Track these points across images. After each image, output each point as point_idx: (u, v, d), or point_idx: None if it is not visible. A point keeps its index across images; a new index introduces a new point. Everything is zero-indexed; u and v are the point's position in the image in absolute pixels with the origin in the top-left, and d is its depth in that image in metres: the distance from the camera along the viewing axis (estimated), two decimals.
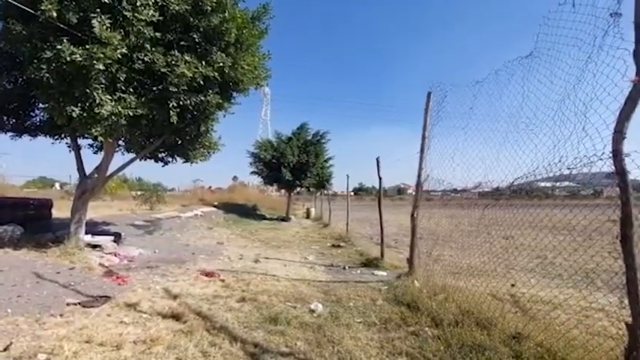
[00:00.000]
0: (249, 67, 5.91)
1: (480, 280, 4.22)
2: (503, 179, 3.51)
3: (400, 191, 74.79)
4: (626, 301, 2.21)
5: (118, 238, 7.69)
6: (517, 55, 3.44)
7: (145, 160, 7.69)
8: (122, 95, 5.07)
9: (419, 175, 5.25)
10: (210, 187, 36.60)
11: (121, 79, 5.02)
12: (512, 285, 4.66)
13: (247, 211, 19.76)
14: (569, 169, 2.61)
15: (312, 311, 3.93)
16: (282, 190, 23.44)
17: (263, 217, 19.09)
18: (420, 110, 5.27)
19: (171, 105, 5.38)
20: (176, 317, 3.61)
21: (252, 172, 18.93)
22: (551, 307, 3.68)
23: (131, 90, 5.24)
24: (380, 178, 7.38)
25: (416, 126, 5.23)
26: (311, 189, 21.16)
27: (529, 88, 3.32)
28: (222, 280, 5.20)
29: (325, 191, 20.75)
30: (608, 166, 2.32)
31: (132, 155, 7.38)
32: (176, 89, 5.25)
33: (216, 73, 5.51)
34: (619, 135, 2.24)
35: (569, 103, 2.78)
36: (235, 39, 5.71)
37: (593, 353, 2.52)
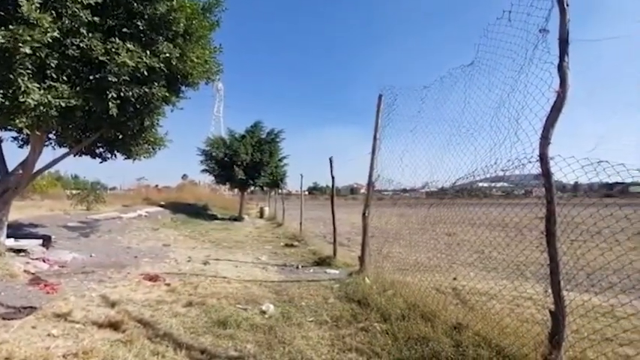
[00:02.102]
0: (198, 60, 5.65)
1: (426, 274, 4.44)
2: (446, 179, 3.73)
3: (353, 191, 76.61)
4: (550, 290, 2.45)
5: (47, 241, 6.93)
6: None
7: (81, 155, 7.03)
8: (53, 83, 4.59)
9: (370, 175, 5.40)
10: (156, 185, 34.52)
11: (52, 65, 4.54)
12: (454, 278, 4.97)
13: (197, 211, 18.93)
14: (503, 170, 2.83)
15: (264, 312, 3.86)
16: (235, 190, 22.82)
17: (214, 217, 18.43)
18: (374, 112, 5.42)
19: (110, 96, 4.96)
20: (114, 326, 3.34)
21: (203, 171, 18.21)
22: (487, 297, 3.97)
23: (64, 78, 4.76)
24: (333, 178, 7.47)
25: (370, 127, 5.42)
26: (265, 188, 20.86)
27: (470, 95, 3.56)
28: (168, 284, 4.91)
29: (279, 190, 20.57)
30: (536, 169, 2.56)
31: (65, 150, 6.71)
32: (116, 79, 4.86)
33: (162, 65, 5.19)
34: (545, 140, 2.48)
35: (504, 110, 3.02)
36: (184, 30, 5.43)
37: (523, 338, 2.76)
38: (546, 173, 2.45)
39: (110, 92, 4.96)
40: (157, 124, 6.58)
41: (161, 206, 17.38)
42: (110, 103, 4.99)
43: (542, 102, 2.56)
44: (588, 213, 2.41)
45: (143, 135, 6.55)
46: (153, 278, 5.21)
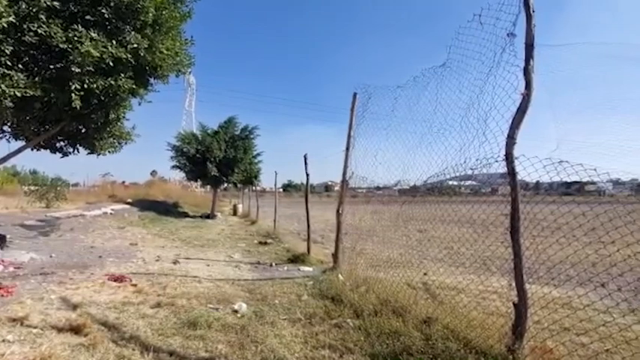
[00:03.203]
0: (168, 51, 5.43)
1: (398, 270, 4.53)
2: (418, 178, 3.81)
3: (328, 188, 76.93)
4: (514, 284, 2.57)
5: (1, 241, 6.47)
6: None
7: (39, 150, 6.59)
8: (7, 72, 4.26)
9: (344, 173, 5.43)
10: (124, 182, 32.93)
11: (7, 52, 4.21)
12: (425, 274, 5.09)
13: (167, 209, 18.32)
14: (471, 169, 2.93)
15: (236, 312, 3.79)
16: (208, 186, 22.28)
17: (185, 215, 17.91)
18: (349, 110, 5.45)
19: (73, 87, 4.68)
20: (75, 330, 3.15)
21: (174, 167, 17.59)
22: (456, 292, 4.12)
23: (20, 66, 4.43)
24: (307, 175, 7.46)
25: (345, 125, 5.47)
26: (238, 185, 20.48)
27: (442, 95, 3.64)
28: (135, 285, 4.72)
29: (253, 187, 20.29)
30: (502, 168, 2.67)
31: (21, 143, 6.26)
32: (80, 70, 4.59)
33: (129, 55, 4.94)
34: (511, 140, 2.59)
35: (474, 111, 3.12)
36: (153, 19, 5.19)
37: (489, 330, 2.87)
38: (511, 172, 2.56)
39: (73, 83, 4.67)
40: (124, 117, 6.29)
41: (128, 203, 16.68)
42: (73, 95, 4.70)
43: (508, 103, 2.66)
44: (549, 210, 2.54)
45: (108, 129, 6.23)
46: (118, 279, 4.99)
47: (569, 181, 2.41)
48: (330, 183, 77.53)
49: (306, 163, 7.32)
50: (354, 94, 5.32)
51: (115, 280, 4.92)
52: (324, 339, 3.11)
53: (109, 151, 6.75)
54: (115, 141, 6.63)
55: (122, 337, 3.08)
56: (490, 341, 2.71)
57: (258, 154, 18.92)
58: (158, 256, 7.06)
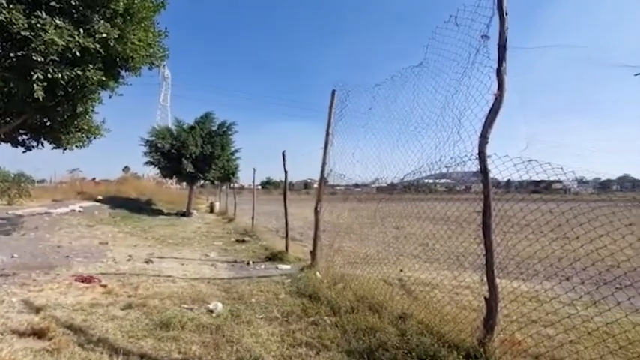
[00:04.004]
0: (140, 43, 5.21)
1: (375, 267, 4.59)
2: (395, 175, 3.85)
3: (307, 185, 76.85)
4: (485, 279, 2.65)
5: None
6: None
7: None
8: None
9: (322, 170, 5.43)
10: (94, 178, 31.56)
11: None
12: (401, 270, 5.18)
13: (140, 206, 17.71)
14: (446, 167, 2.99)
15: (211, 311, 3.71)
16: (184, 183, 21.72)
17: (160, 213, 17.38)
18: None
19: (35, 77, 4.41)
20: (38, 334, 3.00)
21: (147, 163, 16.98)
22: (430, 287, 4.20)
23: None
24: (285, 172, 7.40)
25: (324, 123, 5.47)
26: (216, 182, 20.09)
27: (418, 95, 3.69)
28: (104, 286, 4.53)
29: (231, 185, 19.94)
30: (475, 166, 2.73)
31: None
32: (43, 58, 4.32)
33: (98, 45, 4.71)
34: (483, 139, 2.65)
35: (449, 110, 3.18)
36: (124, 9, 4.97)
37: (461, 324, 2.95)
38: (484, 170, 2.63)
39: (35, 73, 4.41)
40: (92, 110, 6.00)
41: (98, 201, 16.00)
42: (35, 85, 4.43)
43: (482, 104, 2.73)
44: (519, 207, 2.64)
45: (75, 122, 5.93)
46: (86, 279, 4.78)
47: (537, 179, 2.51)
48: (309, 180, 77.48)
49: (284, 160, 7.27)
50: (333, 92, 5.31)
51: (82, 281, 4.71)
52: (301, 337, 3.10)
53: (76, 146, 6.42)
54: (82, 135, 6.31)
55: (89, 340, 2.95)
56: (462, 335, 2.78)
57: (236, 151, 18.59)
58: (130, 255, 6.81)
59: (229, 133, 17.73)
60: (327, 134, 5.36)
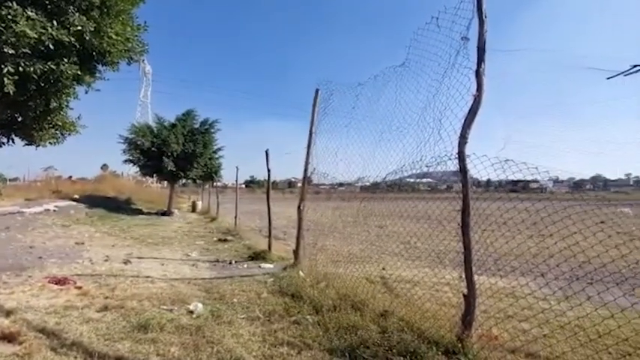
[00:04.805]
0: (118, 37, 5.05)
1: (357, 265, 4.61)
2: (377, 174, 3.88)
3: (291, 184, 76.58)
4: (464, 275, 2.70)
5: None
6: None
7: None
8: None
9: (305, 169, 5.42)
10: (70, 177, 30.46)
11: None
12: (383, 268, 5.24)
13: (119, 205, 17.24)
14: (427, 166, 3.03)
15: (191, 312, 3.64)
16: (165, 182, 21.25)
17: (139, 212, 16.96)
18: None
19: (6, 70, 4.21)
20: (8, 338, 2.87)
21: (126, 161, 16.55)
22: (411, 285, 4.26)
23: None
24: (269, 170, 7.35)
25: (308, 122, 5.45)
26: (198, 181, 19.75)
27: (400, 94, 3.73)
28: (79, 288, 4.38)
29: (214, 183, 19.66)
30: (455, 166, 2.78)
31: None
32: (13, 51, 4.13)
33: (72, 38, 4.54)
34: (463, 139, 2.70)
35: (430, 110, 3.22)
36: (101, 1, 4.80)
37: (441, 321, 3.01)
38: (463, 170, 2.68)
39: (5, 66, 4.21)
40: (67, 106, 5.78)
41: (75, 200, 15.46)
42: (5, 79, 4.23)
43: (461, 104, 2.78)
44: (496, 206, 2.70)
45: (49, 118, 5.69)
46: (61, 281, 4.60)
47: (515, 179, 2.58)
48: (293, 179, 77.17)
49: (267, 159, 7.22)
50: (317, 91, 5.30)
51: (56, 283, 4.54)
52: (283, 336, 3.09)
53: (49, 143, 6.18)
54: (56, 132, 6.07)
55: (63, 344, 2.84)
56: (442, 331, 2.83)
57: (219, 149, 18.34)
58: (107, 255, 6.61)
59: (212, 130, 17.49)
60: (311, 133, 5.35)
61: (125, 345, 2.87)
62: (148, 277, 5.10)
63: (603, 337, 2.69)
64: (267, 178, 7.69)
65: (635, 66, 1.66)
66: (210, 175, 18.19)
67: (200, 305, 3.79)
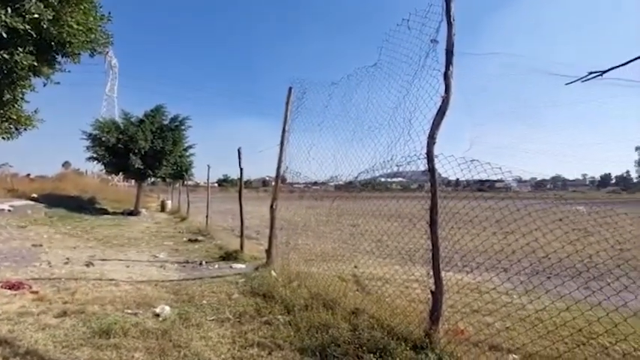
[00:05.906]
0: (79, 26, 4.75)
1: (330, 264, 4.63)
2: (349, 173, 3.90)
3: (265, 183, 75.90)
4: (432, 272, 2.77)
5: None
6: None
7: None
8: None
9: (278, 167, 5.36)
10: (28, 174, 28.50)
11: None
12: (355, 266, 5.29)
13: (82, 205, 16.34)
14: (397, 166, 3.08)
15: (157, 315, 3.50)
16: (132, 181, 20.38)
17: (104, 212, 16.18)
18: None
19: None
20: None
21: (90, 158, 15.71)
22: (382, 282, 4.33)
23: None
24: (241, 169, 7.24)
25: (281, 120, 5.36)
26: (168, 179, 19.08)
27: (373, 94, 3.77)
28: (35, 292, 4.11)
29: (184, 182, 19.08)
30: (424, 165, 2.84)
31: None
32: None
33: (28, 27, 4.22)
34: (431, 140, 2.77)
35: (400, 111, 3.28)
36: None
37: (410, 317, 3.06)
38: (432, 169, 2.74)
39: None
40: (22, 98, 5.38)
41: (33, 199, 14.49)
42: None
43: (430, 105, 2.84)
44: (463, 204, 2.79)
45: (1, 111, 5.28)
46: (15, 286, 4.30)
47: (482, 179, 2.67)
48: (267, 178, 76.45)
49: (239, 157, 7.09)
50: (290, 88, 5.26)
51: (10, 288, 4.24)
52: (253, 337, 3.04)
53: (2, 137, 5.73)
54: (10, 126, 5.63)
55: (15, 352, 2.66)
56: (411, 327, 2.89)
57: (190, 147, 17.83)
58: (68, 258, 6.25)
59: (182, 127, 16.95)
60: (284, 131, 5.30)
61: (84, 352, 2.72)
62: (111, 279, 4.86)
63: (560, 328, 2.84)
64: (239, 176, 7.56)
65: (591, 73, 1.76)
66: (181, 173, 17.66)
67: (167, 308, 3.66)
